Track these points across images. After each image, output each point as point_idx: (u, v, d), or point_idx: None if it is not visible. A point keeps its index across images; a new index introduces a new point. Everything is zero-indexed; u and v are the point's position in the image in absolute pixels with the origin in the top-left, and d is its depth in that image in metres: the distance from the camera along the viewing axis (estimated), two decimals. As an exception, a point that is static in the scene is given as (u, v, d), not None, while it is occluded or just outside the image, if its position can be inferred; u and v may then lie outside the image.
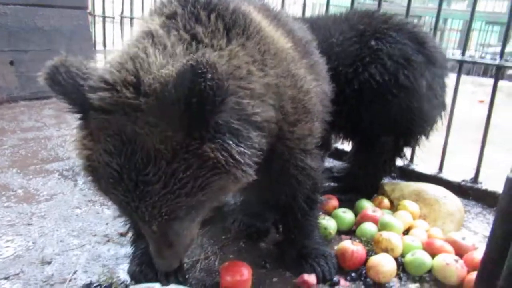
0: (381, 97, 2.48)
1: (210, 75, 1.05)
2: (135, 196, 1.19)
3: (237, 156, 1.22)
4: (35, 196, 2.65)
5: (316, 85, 1.82)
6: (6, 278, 1.85)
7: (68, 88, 1.20)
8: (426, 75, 2.52)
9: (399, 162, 2.98)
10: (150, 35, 1.32)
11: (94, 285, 1.79)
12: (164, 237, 1.32)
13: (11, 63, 4.86)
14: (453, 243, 2.13)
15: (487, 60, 4.49)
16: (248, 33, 1.47)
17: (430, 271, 2.02)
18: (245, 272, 1.81)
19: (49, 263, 1.98)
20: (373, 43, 2.51)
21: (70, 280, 1.86)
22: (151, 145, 1.14)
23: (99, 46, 6.21)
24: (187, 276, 1.90)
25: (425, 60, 2.54)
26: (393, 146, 2.73)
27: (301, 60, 1.75)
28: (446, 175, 3.10)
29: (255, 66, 1.41)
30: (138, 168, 1.16)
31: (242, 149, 1.24)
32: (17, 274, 1.89)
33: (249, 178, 1.30)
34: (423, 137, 2.77)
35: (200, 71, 1.04)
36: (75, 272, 1.92)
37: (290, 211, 1.93)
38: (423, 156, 3.08)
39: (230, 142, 1.22)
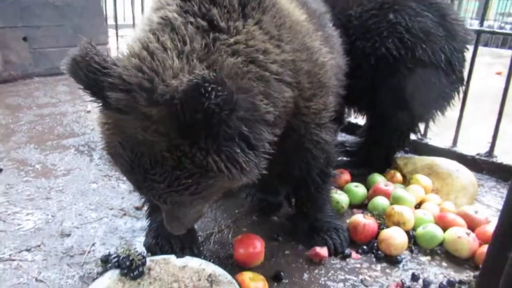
0: (397, 72, 2.43)
1: (214, 94, 1.06)
2: (144, 186, 1.30)
3: (244, 165, 1.27)
4: (53, 171, 2.72)
5: (331, 58, 1.80)
6: (27, 250, 1.92)
7: (90, 82, 1.23)
8: (445, 49, 2.46)
9: (412, 136, 2.95)
10: (169, 25, 1.29)
11: (113, 256, 1.84)
12: (172, 212, 1.44)
13: (25, 39, 4.89)
14: (466, 217, 2.13)
15: (507, 30, 4.36)
16: (264, 6, 1.45)
17: (441, 244, 2.04)
18: (258, 245, 1.85)
19: (68, 235, 2.05)
20: (391, 16, 2.44)
21: (88, 252, 1.93)
22: (158, 151, 1.21)
23: (110, 21, 6.18)
24: (201, 249, 1.95)
25: (446, 33, 2.47)
26: (408, 121, 2.70)
27: (316, 32, 1.73)
28: (460, 148, 3.08)
29: (271, 43, 1.40)
30: (146, 168, 1.25)
31: (250, 157, 1.28)
32: (38, 246, 1.96)
33: (254, 178, 1.35)
34: (439, 113, 2.73)
35: (204, 90, 1.05)
36: (93, 244, 1.98)
37: (303, 185, 1.95)
38: (437, 129, 3.04)
39: (238, 151, 1.25)
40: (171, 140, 1.19)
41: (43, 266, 1.83)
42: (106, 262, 1.80)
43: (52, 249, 1.94)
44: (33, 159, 2.88)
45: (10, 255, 1.88)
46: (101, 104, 1.30)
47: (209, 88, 1.05)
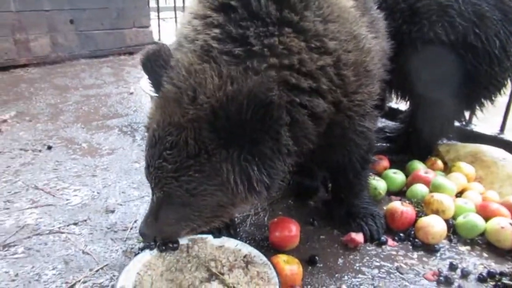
0: (446, 58, 2.32)
1: (275, 92, 1.20)
2: (154, 163, 1.36)
3: (255, 184, 1.32)
4: (98, 150, 2.84)
5: (376, 43, 1.76)
6: (75, 224, 2.04)
7: (153, 74, 1.48)
8: (500, 34, 2.32)
9: (456, 123, 2.85)
10: (209, 53, 1.36)
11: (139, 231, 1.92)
12: (155, 208, 1.45)
13: (71, 21, 5.06)
14: (510, 207, 2.06)
15: None
16: None
17: (483, 234, 1.99)
18: (294, 228, 1.87)
19: (113, 212, 2.15)
20: None
21: (131, 228, 2.02)
22: (185, 136, 1.30)
23: (152, 3, 6.28)
24: (237, 230, 2.00)
25: (502, 17, 2.32)
26: (454, 109, 2.61)
27: (362, 18, 1.68)
28: (507, 136, 2.93)
29: (309, 47, 1.38)
30: (166, 146, 1.33)
31: (263, 178, 1.33)
32: (85, 220, 2.08)
33: (261, 201, 1.38)
34: (488, 101, 2.62)
35: (268, 87, 1.19)
36: (135, 221, 2.07)
37: (342, 171, 1.94)
38: (483, 115, 2.91)
39: (255, 168, 1.31)
40: (201, 133, 1.28)
41: (89, 239, 1.94)
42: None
43: (98, 224, 2.05)
44: (80, 138, 3.02)
45: (59, 227, 2.01)
46: (156, 92, 1.49)
47: (271, 86, 1.21)
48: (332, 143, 1.65)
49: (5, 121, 3.23)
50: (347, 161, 1.84)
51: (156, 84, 1.47)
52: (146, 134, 1.51)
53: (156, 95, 1.49)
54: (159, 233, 1.51)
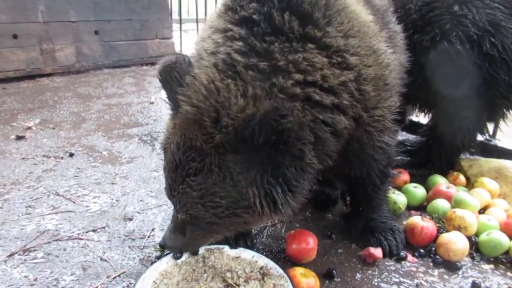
0: (461, 68, 2.30)
1: (290, 118, 1.16)
2: (177, 188, 1.36)
3: (280, 207, 1.32)
4: (118, 158, 2.88)
5: (395, 58, 1.75)
6: (93, 231, 2.07)
7: (170, 88, 1.41)
8: None
9: (479, 137, 2.79)
10: (232, 68, 1.33)
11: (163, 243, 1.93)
12: (182, 226, 1.48)
13: (96, 32, 5.19)
14: (536, 226, 1.99)
15: None
16: (331, 13, 1.42)
17: (507, 252, 1.93)
18: (311, 241, 1.85)
19: (131, 219, 2.17)
20: (456, 8, 2.30)
21: (148, 237, 2.03)
22: (209, 163, 1.28)
23: (175, 15, 6.39)
24: (254, 241, 1.99)
25: None
26: (475, 121, 2.56)
27: (381, 33, 1.68)
28: (533, 152, 2.86)
29: (331, 63, 1.38)
30: (189, 172, 1.32)
31: (288, 199, 1.33)
32: (103, 227, 2.10)
33: (284, 217, 1.37)
34: (510, 112, 2.56)
35: (281, 113, 1.15)
36: (153, 230, 2.09)
37: (360, 184, 1.92)
38: (508, 130, 2.85)
39: (279, 191, 1.30)
40: (225, 159, 1.26)
41: (107, 246, 1.96)
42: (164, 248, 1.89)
43: (116, 231, 2.07)
44: (101, 146, 3.07)
45: (78, 234, 2.03)
46: (173, 107, 1.44)
47: (285, 112, 1.15)
48: (350, 158, 1.63)
49: (29, 128, 3.31)
50: (365, 175, 1.82)
51: (173, 99, 1.42)
52: (163, 153, 1.48)
53: (173, 111, 1.45)
54: (185, 248, 1.57)
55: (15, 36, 4.55)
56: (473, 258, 1.94)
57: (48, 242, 1.96)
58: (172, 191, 1.39)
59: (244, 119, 1.21)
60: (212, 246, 1.73)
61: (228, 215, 1.35)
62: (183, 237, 1.50)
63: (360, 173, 1.79)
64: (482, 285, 1.76)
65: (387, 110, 1.61)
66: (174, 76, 1.38)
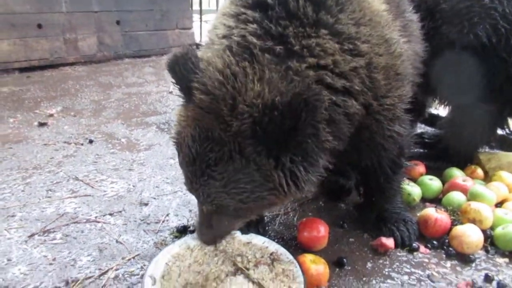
0: (487, 61, 2.25)
1: (320, 104, 1.19)
2: (198, 181, 1.34)
3: (303, 184, 1.34)
4: (136, 145, 2.94)
5: (408, 48, 1.73)
6: (110, 214, 2.12)
7: (182, 78, 1.37)
8: None
9: (499, 131, 2.74)
10: (248, 50, 1.32)
11: (190, 228, 1.98)
12: (208, 218, 1.48)
13: (117, 22, 5.27)
14: (554, 221, 1.95)
15: None
16: (343, 1, 1.42)
17: (523, 247, 1.90)
18: (322, 229, 1.86)
19: (146, 204, 2.22)
20: (487, 0, 2.24)
21: (163, 221, 2.08)
22: (228, 151, 1.28)
23: (196, 6, 6.43)
24: (266, 228, 2.01)
25: None
26: (496, 115, 2.51)
27: (394, 22, 1.66)
28: (555, 147, 2.79)
29: (342, 50, 1.38)
30: (209, 163, 1.30)
31: (310, 176, 1.35)
32: (120, 211, 2.15)
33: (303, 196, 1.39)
34: None
35: (317, 99, 1.17)
36: (167, 215, 2.13)
37: (372, 174, 1.91)
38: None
39: (301, 169, 1.32)
40: (246, 146, 1.26)
41: (123, 230, 2.01)
42: (182, 233, 1.97)
43: (131, 216, 2.12)
44: (119, 133, 3.13)
45: (96, 217, 2.09)
46: (185, 98, 1.41)
47: (316, 97, 1.17)
48: (360, 147, 1.63)
49: (52, 115, 3.40)
50: (376, 165, 1.81)
51: (185, 90, 1.38)
52: (176, 147, 1.46)
53: (184, 103, 1.43)
54: (217, 239, 1.59)
55: (39, 26, 4.67)
56: (487, 251, 1.92)
57: (67, 224, 2.03)
58: (193, 184, 1.37)
59: (262, 105, 1.20)
60: (224, 231, 1.75)
61: (254, 199, 1.34)
62: (212, 229, 1.52)
63: (371, 162, 1.79)
64: (496, 278, 1.74)
65: (397, 100, 1.60)
66: (188, 67, 1.34)
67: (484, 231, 1.93)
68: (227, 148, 1.27)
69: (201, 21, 6.34)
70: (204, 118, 1.31)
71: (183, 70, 1.34)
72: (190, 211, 2.17)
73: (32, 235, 1.94)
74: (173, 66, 1.36)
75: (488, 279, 1.73)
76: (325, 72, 1.35)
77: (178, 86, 1.41)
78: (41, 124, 3.21)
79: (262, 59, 1.30)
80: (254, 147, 1.26)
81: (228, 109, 1.26)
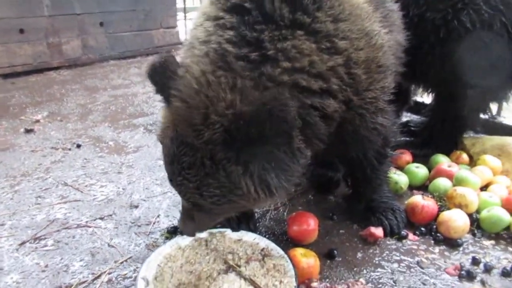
0: (470, 47, 2.26)
1: (288, 109, 1.19)
2: (176, 179, 1.40)
3: (274, 190, 1.35)
4: (124, 148, 2.94)
5: (390, 39, 1.74)
6: (101, 218, 2.13)
7: (161, 86, 1.42)
8: None
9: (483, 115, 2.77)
10: (224, 58, 1.34)
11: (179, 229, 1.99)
12: (189, 211, 1.52)
13: (101, 24, 5.22)
14: (538, 201, 2.00)
15: None
16: None
17: (508, 228, 1.94)
18: (312, 223, 1.88)
19: (136, 207, 2.23)
20: None
21: (154, 223, 2.08)
22: (200, 157, 1.31)
23: (180, 4, 6.38)
24: (257, 225, 2.02)
25: None
26: (478, 100, 2.54)
27: (375, 13, 1.67)
28: (539, 128, 2.84)
29: (319, 49, 1.39)
30: (183, 166, 1.35)
31: (283, 183, 1.36)
32: (110, 215, 2.16)
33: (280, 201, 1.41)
34: None
35: (282, 106, 1.18)
36: (158, 216, 2.14)
37: (358, 165, 1.92)
38: (513, 107, 2.83)
39: (273, 176, 1.33)
40: (216, 153, 1.29)
41: (114, 233, 2.01)
42: (173, 233, 1.98)
43: (122, 219, 2.13)
44: (107, 136, 3.13)
45: (86, 222, 2.09)
46: (166, 103, 1.44)
47: (284, 103, 1.18)
48: (345, 140, 1.64)
49: (38, 121, 3.38)
50: (362, 156, 1.83)
51: (166, 96, 1.42)
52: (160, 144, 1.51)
53: (165, 104, 1.46)
54: (197, 230, 1.61)
55: (21, 31, 4.61)
56: (474, 235, 1.96)
57: (58, 231, 2.03)
58: (172, 181, 1.44)
59: (231, 115, 1.23)
60: (214, 230, 1.77)
61: (225, 202, 1.38)
62: (193, 222, 1.55)
63: (356, 154, 1.81)
64: (483, 260, 1.78)
65: (380, 92, 1.62)
66: (167, 75, 1.38)
67: (470, 215, 1.97)
68: (200, 154, 1.31)
69: (185, 19, 6.30)
70: (180, 123, 1.35)
71: (162, 78, 1.39)
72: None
73: (23, 243, 1.94)
74: (152, 75, 1.41)
75: (475, 262, 1.77)
76: (300, 76, 1.35)
77: (159, 93, 1.44)
78: (28, 131, 3.19)
79: (236, 67, 1.31)
80: (224, 153, 1.29)
81: (200, 119, 1.29)
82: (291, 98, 1.29)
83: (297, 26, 1.37)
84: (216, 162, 1.30)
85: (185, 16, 6.29)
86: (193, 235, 1.64)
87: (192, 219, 1.54)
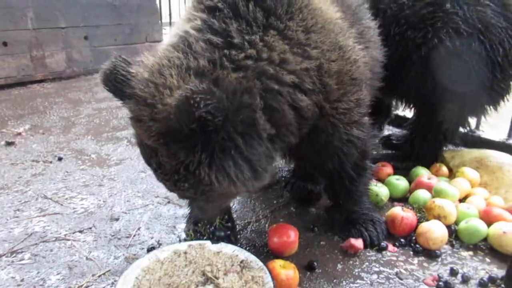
0: (450, 64, 2.32)
1: (203, 103, 1.13)
2: (159, 179, 1.46)
3: (234, 178, 1.33)
4: (106, 161, 2.91)
5: (365, 54, 1.78)
6: (80, 231, 2.10)
7: (116, 91, 1.40)
8: (504, 42, 2.32)
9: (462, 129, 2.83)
10: (185, 41, 1.36)
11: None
12: (193, 203, 1.58)
13: (86, 38, 5.22)
14: (514, 213, 2.03)
15: None
16: (293, 10, 1.46)
17: (486, 239, 1.97)
18: (292, 234, 1.88)
19: (117, 219, 2.20)
20: (448, 5, 2.31)
21: (134, 236, 2.06)
22: (160, 156, 1.35)
23: (166, 19, 6.43)
24: (238, 237, 2.02)
25: (507, 25, 2.32)
26: (457, 115, 2.59)
27: (350, 30, 1.71)
28: (516, 142, 2.90)
29: (292, 52, 1.42)
30: (155, 167, 1.42)
31: (243, 170, 1.34)
32: (90, 228, 2.13)
33: (252, 190, 1.43)
34: (491, 108, 2.59)
35: (193, 101, 1.13)
36: (138, 229, 2.12)
37: (337, 178, 1.94)
38: (493, 121, 2.87)
39: (231, 164, 1.31)
40: (169, 149, 1.31)
41: (93, 246, 1.99)
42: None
43: (102, 232, 2.10)
44: (89, 149, 3.10)
45: (65, 235, 2.06)
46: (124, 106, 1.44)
47: (198, 99, 1.13)
48: (319, 151, 1.67)
49: (19, 134, 3.34)
50: (339, 168, 1.85)
51: (122, 99, 1.41)
52: None
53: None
54: (209, 215, 1.71)
55: (5, 44, 4.58)
56: (452, 245, 1.98)
57: (35, 244, 1.99)
58: (159, 179, 1.49)
59: (171, 107, 1.20)
60: (193, 242, 1.76)
61: (204, 193, 1.40)
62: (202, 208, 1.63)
63: (333, 166, 1.82)
64: (460, 271, 1.80)
65: (354, 104, 1.65)
66: (119, 79, 1.36)
67: (448, 227, 2.00)
68: (159, 152, 1.34)
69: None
70: (135, 125, 1.37)
71: (116, 83, 1.37)
72: (164, 224, 2.16)
73: (-1, 257, 1.90)
74: (106, 83, 1.39)
75: (453, 272, 1.79)
76: (267, 64, 1.36)
77: (117, 98, 1.43)
78: (8, 144, 3.14)
79: (196, 47, 1.31)
80: (176, 148, 1.29)
81: (148, 112, 1.28)
82: (252, 80, 1.30)
83: (270, 28, 1.40)
84: (172, 157, 1.31)
85: (171, 30, 6.33)
86: (210, 218, 1.76)
87: (199, 207, 1.63)
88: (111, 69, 1.38)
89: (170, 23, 6.38)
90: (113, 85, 1.38)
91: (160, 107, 1.26)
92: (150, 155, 1.39)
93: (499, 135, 3.00)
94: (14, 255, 1.92)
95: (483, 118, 2.90)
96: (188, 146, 1.28)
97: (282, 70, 1.39)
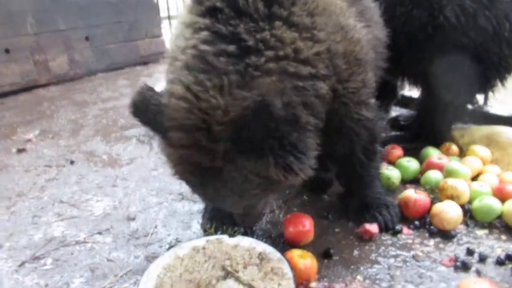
0: (456, 41, 2.31)
1: (277, 102, 1.24)
2: (217, 200, 1.52)
3: (298, 171, 1.42)
4: (118, 161, 2.94)
5: (367, 32, 1.79)
6: (99, 233, 2.14)
7: (150, 123, 1.40)
8: (510, 16, 2.29)
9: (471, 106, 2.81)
10: (202, 59, 1.34)
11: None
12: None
13: (86, 38, 5.21)
14: (528, 188, 2.03)
15: None
16: None
17: (500, 217, 1.97)
18: (307, 223, 1.90)
19: (133, 219, 2.24)
20: None
21: (152, 234, 2.10)
22: (227, 173, 1.36)
23: (164, 13, 6.39)
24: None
25: None
26: (466, 92, 2.58)
27: (349, 9, 1.72)
28: (526, 116, 2.88)
29: (302, 38, 1.43)
30: (217, 187, 1.42)
31: (303, 161, 1.42)
32: (108, 229, 2.16)
33: (309, 175, 1.50)
34: (499, 84, 2.58)
35: (268, 103, 1.21)
36: (155, 227, 2.15)
37: (348, 163, 1.96)
38: (501, 96, 2.86)
39: (292, 159, 1.39)
40: (237, 163, 1.34)
41: (113, 247, 2.02)
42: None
43: (120, 232, 2.14)
44: (100, 150, 3.13)
45: (84, 238, 2.10)
46: (165, 140, 1.43)
47: (270, 100, 1.21)
48: (332, 132, 1.68)
49: (29, 140, 3.37)
50: (350, 152, 1.87)
51: (161, 132, 1.40)
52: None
53: (165, 143, 1.44)
54: (255, 220, 1.80)
55: (7, 51, 4.59)
56: (467, 225, 1.99)
57: (56, 249, 2.04)
58: (214, 202, 1.60)
59: (232, 123, 1.26)
60: (211, 237, 1.79)
61: (270, 191, 1.53)
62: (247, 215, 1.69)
63: (344, 150, 1.84)
64: (477, 250, 1.81)
65: (361, 84, 1.68)
66: (148, 111, 1.35)
67: (462, 206, 2.00)
68: (225, 171, 1.36)
69: (170, 27, 6.31)
70: (190, 154, 1.35)
71: (149, 115, 1.36)
72: (180, 221, 2.19)
73: (22, 264, 1.94)
74: (138, 115, 1.38)
75: (470, 252, 1.80)
76: (287, 63, 1.38)
77: (154, 131, 1.45)
78: (20, 150, 3.18)
79: (218, 64, 1.31)
80: (244, 160, 1.34)
81: (205, 137, 1.30)
82: (282, 82, 1.34)
83: (274, 18, 1.40)
84: (242, 171, 1.35)
85: (170, 24, 6.29)
86: (255, 223, 1.87)
87: (245, 215, 1.67)
88: (141, 101, 1.36)
89: (169, 17, 6.34)
90: (146, 117, 1.37)
91: (217, 128, 1.28)
92: (210, 177, 1.39)
93: (507, 110, 2.97)
94: (36, 261, 1.96)
95: (490, 94, 2.90)
96: (259, 153, 1.33)
97: (299, 64, 1.40)
